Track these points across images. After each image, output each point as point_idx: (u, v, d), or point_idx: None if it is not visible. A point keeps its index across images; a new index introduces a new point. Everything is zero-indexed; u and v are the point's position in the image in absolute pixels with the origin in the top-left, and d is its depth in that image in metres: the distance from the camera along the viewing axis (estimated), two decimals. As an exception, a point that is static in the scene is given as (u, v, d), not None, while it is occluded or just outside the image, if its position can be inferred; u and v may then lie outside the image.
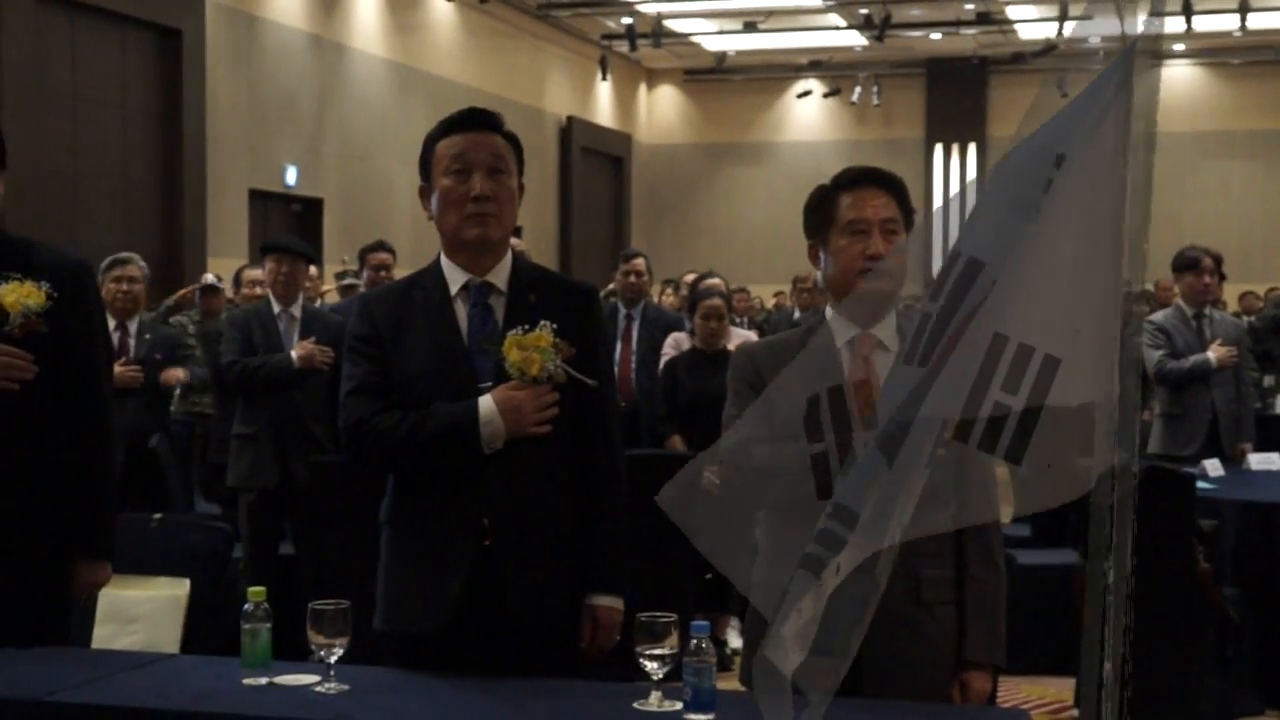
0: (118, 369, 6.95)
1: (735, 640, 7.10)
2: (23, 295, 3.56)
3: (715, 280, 8.84)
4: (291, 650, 3.35)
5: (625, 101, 25.80)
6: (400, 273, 6.38)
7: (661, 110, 26.82)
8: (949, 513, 2.43)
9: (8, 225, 3.77)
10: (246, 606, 3.10)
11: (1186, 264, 7.91)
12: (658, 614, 2.86)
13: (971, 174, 24.93)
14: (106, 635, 4.29)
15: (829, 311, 3.29)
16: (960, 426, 2.20)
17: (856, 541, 2.25)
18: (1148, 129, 2.20)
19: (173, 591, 4.44)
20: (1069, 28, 18.53)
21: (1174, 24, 19.93)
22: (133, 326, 7.52)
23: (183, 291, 10.54)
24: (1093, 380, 2.16)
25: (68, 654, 3.49)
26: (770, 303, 19.46)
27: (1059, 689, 6.42)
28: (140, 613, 4.39)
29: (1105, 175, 2.18)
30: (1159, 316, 7.97)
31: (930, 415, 2.20)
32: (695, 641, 2.78)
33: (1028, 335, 2.15)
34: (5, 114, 11.46)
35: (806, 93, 25.16)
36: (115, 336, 7.30)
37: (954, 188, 24.71)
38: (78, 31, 13.37)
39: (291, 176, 16.50)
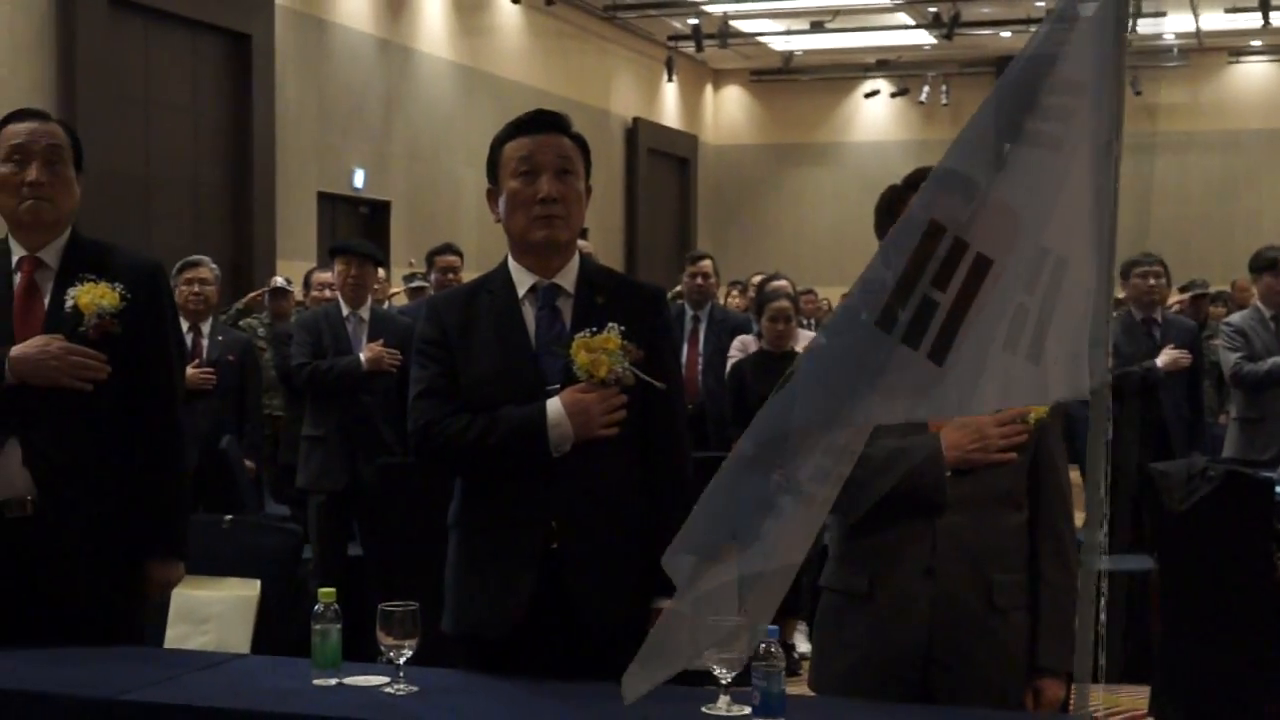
0: (190, 371, 7.02)
1: (803, 644, 7.07)
2: (98, 296, 3.61)
3: (782, 282, 8.82)
4: (360, 651, 3.37)
5: (691, 103, 25.79)
6: (468, 275, 6.41)
7: (728, 111, 26.78)
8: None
9: (80, 228, 3.82)
10: (316, 607, 3.12)
11: (1265, 264, 7.78)
12: (724, 617, 2.85)
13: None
14: (179, 635, 4.34)
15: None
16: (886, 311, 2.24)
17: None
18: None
19: (244, 592, 4.48)
20: (1141, 25, 18.33)
21: (1250, 20, 19.69)
22: (205, 329, 7.58)
23: (253, 294, 10.62)
24: (1091, 368, 2.20)
25: (141, 653, 3.52)
26: (837, 304, 19.35)
27: (1133, 697, 6.36)
28: (212, 613, 4.43)
29: (1092, 112, 2.17)
30: (1237, 318, 7.85)
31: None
32: (763, 645, 2.76)
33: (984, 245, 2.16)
34: (79, 118, 11.61)
35: (874, 92, 25.04)
36: (188, 339, 7.37)
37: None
38: (150, 36, 13.52)
39: (359, 179, 16.61)
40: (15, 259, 3.71)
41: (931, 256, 2.21)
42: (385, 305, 9.78)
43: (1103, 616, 2.36)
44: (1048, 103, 2.19)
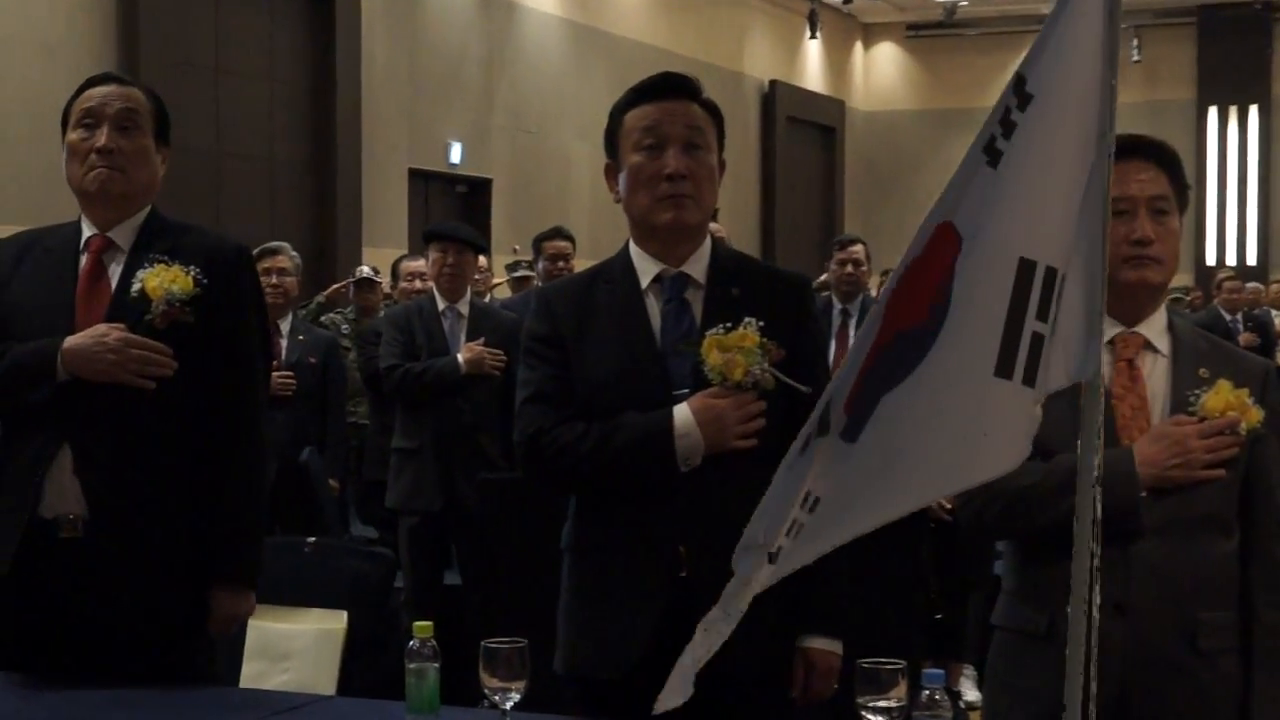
0: None
1: (971, 692, 7.01)
2: (167, 280, 3.60)
3: (945, 269, 8.74)
4: (460, 694, 3.40)
5: (838, 63, 25.67)
6: (580, 263, 6.43)
7: (880, 72, 26.61)
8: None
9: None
10: (412, 644, 3.15)
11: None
12: (882, 660, 2.83)
13: (1254, 141, 24.26)
14: (256, 673, 4.39)
15: (1085, 306, 3.24)
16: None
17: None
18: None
19: (328, 625, 4.53)
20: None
21: None
22: (284, 326, 7.60)
23: (336, 286, 10.73)
24: (1081, 359, 2.30)
25: (212, 694, 3.57)
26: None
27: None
28: (293, 648, 4.48)
29: (1074, 119, 2.28)
30: None
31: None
32: (927, 693, 2.74)
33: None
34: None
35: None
36: None
37: (1232, 157, 24.11)
38: (221, -3, 13.76)
39: (456, 154, 16.75)
40: (84, 238, 3.73)
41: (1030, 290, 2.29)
42: (486, 298, 9.85)
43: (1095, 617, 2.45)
44: (1007, 107, 2.31)
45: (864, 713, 2.82)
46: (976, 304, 2.25)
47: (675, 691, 2.55)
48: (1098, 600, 2.47)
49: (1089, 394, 2.36)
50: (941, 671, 2.82)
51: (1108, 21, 2.34)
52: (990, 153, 2.29)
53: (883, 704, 2.80)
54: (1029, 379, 2.28)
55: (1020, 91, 2.30)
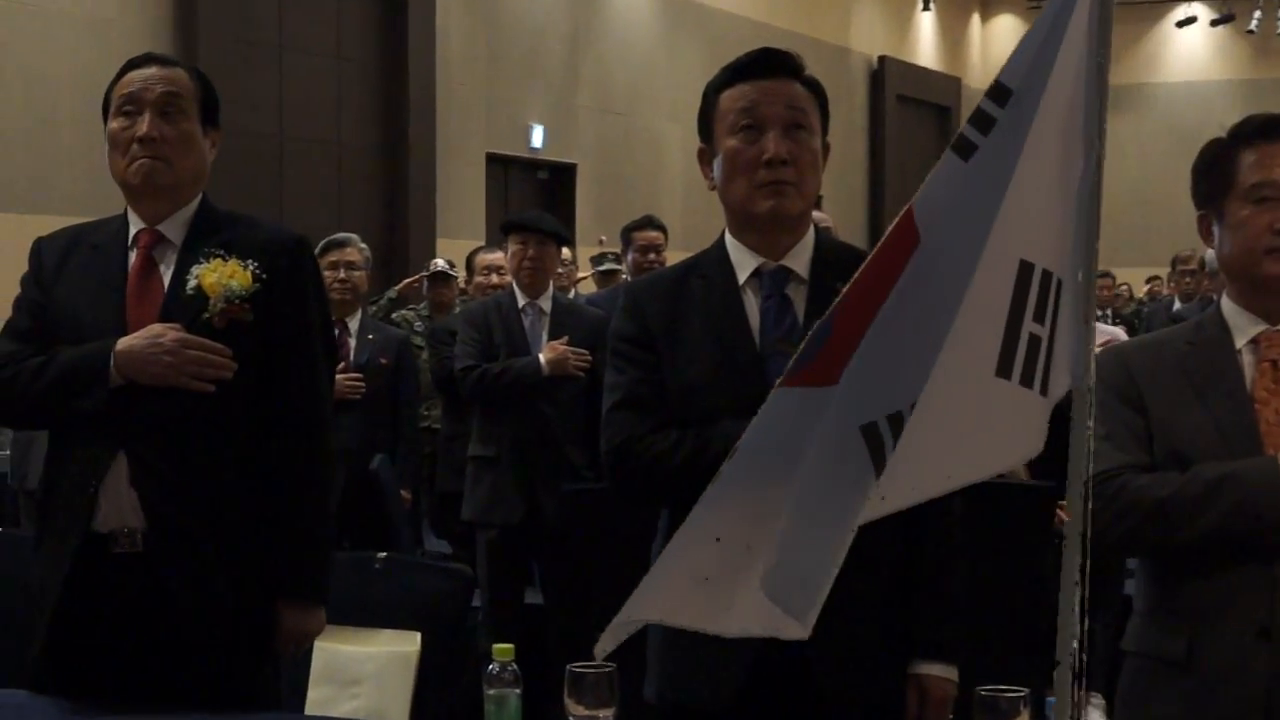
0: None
1: (1099, 723, 6.96)
2: (225, 276, 3.61)
3: (1071, 262, 8.69)
4: (543, 722, 3.41)
5: (953, 36, 25.54)
6: (673, 256, 6.43)
7: (999, 47, 26.46)
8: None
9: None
10: (491, 667, 3.16)
11: None
12: (1001, 687, 2.83)
13: None
14: (323, 698, 4.41)
15: (1225, 302, 3.22)
16: None
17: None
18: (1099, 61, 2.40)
19: (401, 647, 4.54)
20: None
21: None
22: (353, 324, 7.63)
23: (408, 280, 10.79)
24: (1071, 365, 2.47)
25: (277, 720, 3.61)
26: (1142, 290, 19.04)
27: None
28: (363, 672, 4.50)
29: (1063, 124, 2.40)
30: None
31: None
32: (1049, 722, 2.74)
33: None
34: (201, 66, 11.93)
35: (1189, 20, 24.56)
36: None
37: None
38: (285, -33, 13.87)
39: (538, 138, 16.81)
40: (132, 233, 3.75)
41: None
42: (570, 293, 9.88)
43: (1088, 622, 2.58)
44: (982, 106, 2.43)
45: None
46: (979, 304, 2.38)
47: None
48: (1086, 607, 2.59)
49: (1079, 401, 2.48)
50: (1064, 700, 2.80)
51: (1098, 31, 2.42)
52: (961, 147, 2.40)
53: (1005, 734, 2.79)
54: (1026, 379, 2.45)
55: (996, 88, 2.41)
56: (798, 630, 2.59)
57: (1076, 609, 2.59)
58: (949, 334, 2.38)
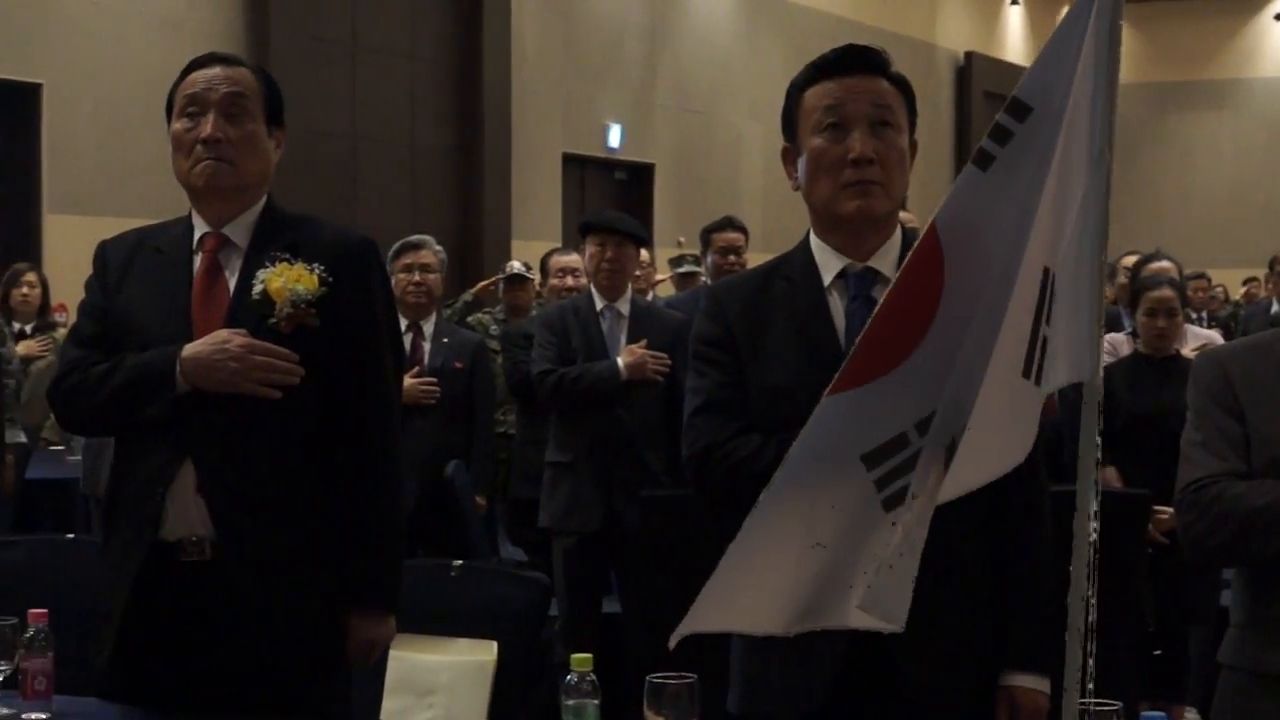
0: (407, 381, 7.09)
1: (1194, 737, 6.92)
2: (291, 280, 3.62)
3: (1164, 264, 8.63)
4: (622, 733, 3.42)
5: (1041, 32, 25.40)
6: (754, 258, 6.43)
7: (1091, 41, 26.29)
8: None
9: (275, 199, 3.88)
10: (569, 678, 3.17)
11: None
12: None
13: None
14: (398, 708, 4.43)
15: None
16: None
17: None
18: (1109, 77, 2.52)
19: (477, 656, 4.55)
20: None
21: None
22: (427, 328, 7.65)
23: (484, 283, 10.82)
24: (1079, 360, 2.55)
25: (350, 731, 3.63)
26: (1239, 293, 18.89)
27: None
28: (439, 682, 4.51)
29: (1078, 139, 2.50)
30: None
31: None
32: (1148, 737, 2.72)
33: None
34: (272, 65, 12.03)
35: (1289, 12, 24.35)
36: (407, 339, 7.43)
37: None
38: (358, -36, 13.94)
39: (615, 137, 16.83)
40: (197, 236, 3.77)
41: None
42: (649, 296, 9.88)
43: (1092, 616, 2.63)
44: (998, 120, 2.54)
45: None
46: (1011, 309, 2.50)
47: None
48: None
49: (1089, 394, 2.57)
50: (1163, 714, 2.79)
51: (1109, 41, 2.52)
52: (980, 159, 2.54)
53: (1098, 746, 2.78)
54: (1038, 378, 2.59)
55: (1013, 104, 2.54)
56: (893, 626, 2.68)
57: (1084, 611, 2.64)
58: (995, 344, 2.48)
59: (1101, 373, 2.55)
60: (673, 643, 2.75)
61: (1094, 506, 2.58)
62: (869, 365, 2.59)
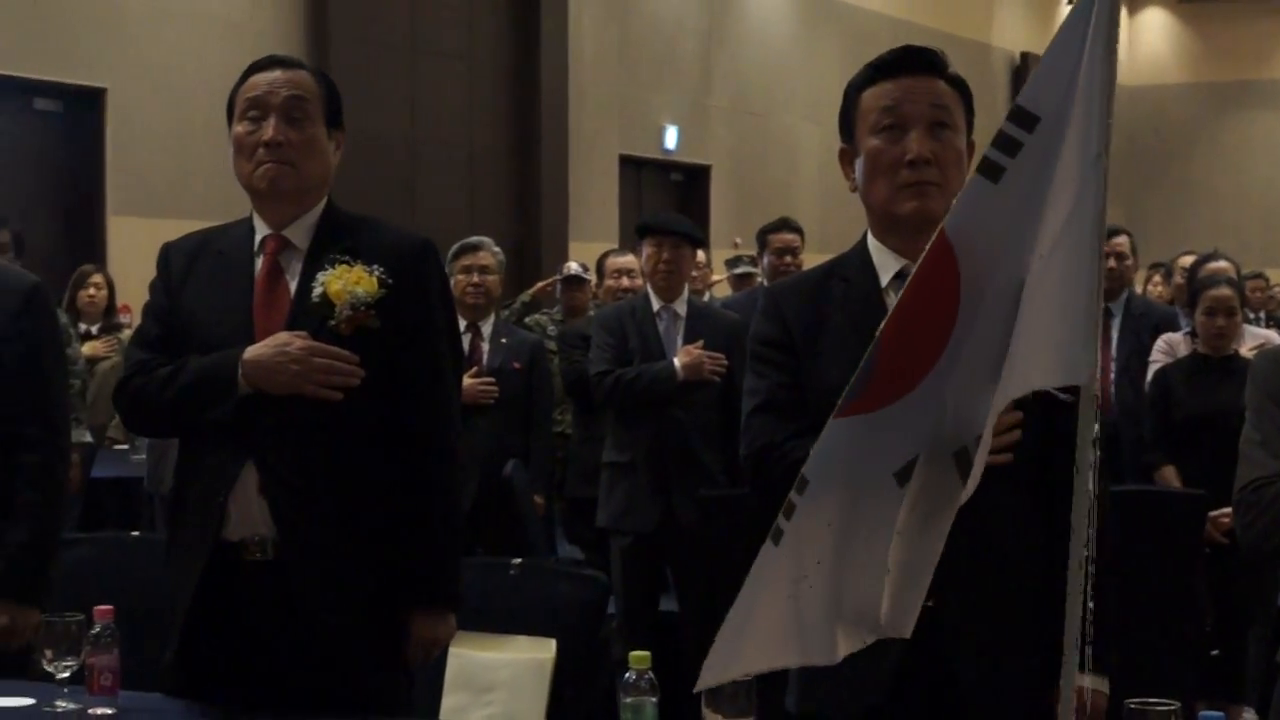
0: (466, 382, 7.09)
1: (1252, 738, 6.87)
2: (351, 282, 3.63)
3: (1223, 264, 8.59)
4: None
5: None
6: (810, 258, 6.42)
7: (1148, 42, 26.16)
8: None
9: (334, 201, 3.90)
10: (628, 675, 3.17)
11: None
12: (1151, 700, 2.80)
13: None
14: (457, 706, 4.44)
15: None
16: None
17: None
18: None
19: (536, 654, 4.56)
20: None
21: None
22: (486, 329, 7.66)
23: (541, 284, 10.83)
24: (1072, 363, 2.51)
25: (411, 728, 3.64)
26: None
27: None
28: (498, 679, 4.52)
29: (1081, 149, 2.49)
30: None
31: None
32: (1208, 737, 2.71)
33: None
34: (332, 69, 12.08)
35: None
36: (465, 340, 7.45)
37: None
38: (417, -32, 13.98)
39: (671, 139, 16.83)
40: (258, 239, 3.79)
41: None
42: (705, 297, 9.88)
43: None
44: (1004, 130, 2.53)
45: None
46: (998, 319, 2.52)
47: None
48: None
49: (1085, 397, 2.55)
50: (1221, 714, 2.77)
51: (1106, 43, 2.49)
52: (989, 169, 2.52)
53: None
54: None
55: (1019, 114, 2.53)
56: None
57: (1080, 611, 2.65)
58: (1006, 360, 2.50)
59: (1097, 375, 2.53)
60: (699, 689, 2.79)
61: (1092, 503, 2.61)
62: (890, 387, 2.58)
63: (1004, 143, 2.51)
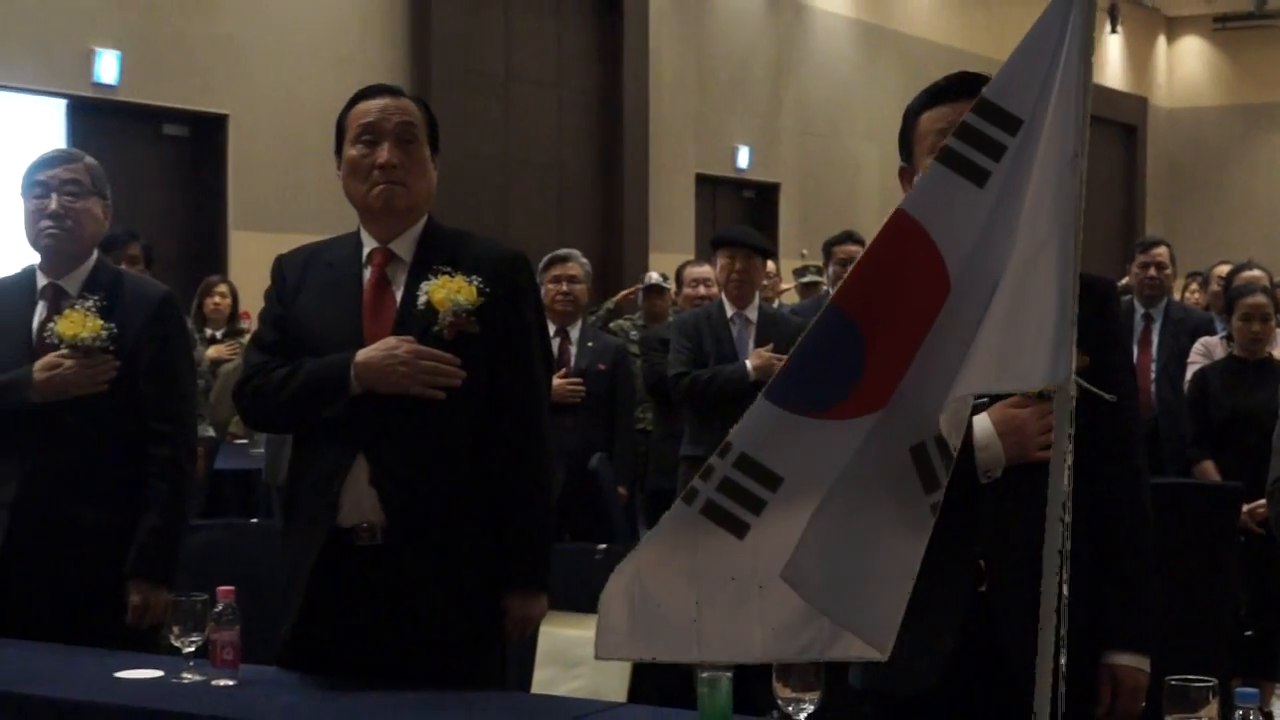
0: (556, 382, 7.09)
1: (1284, 713, 6.80)
2: (453, 291, 3.65)
3: (1257, 272, 8.51)
4: (752, 704, 3.40)
5: (1139, 58, 25.07)
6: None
7: (1185, 67, 25.92)
8: None
9: (437, 218, 3.92)
10: (704, 653, 3.17)
11: None
12: (1191, 677, 2.77)
13: None
14: (548, 679, 4.46)
15: None
16: None
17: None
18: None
19: (620, 633, 4.56)
20: None
21: None
22: (574, 333, 7.68)
23: (624, 292, 10.83)
24: (1051, 364, 2.38)
25: (505, 699, 3.65)
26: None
27: None
28: (585, 655, 4.53)
29: (1061, 149, 2.36)
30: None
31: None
32: (1240, 712, 2.67)
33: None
34: (433, 97, 12.13)
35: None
36: (555, 344, 7.47)
37: None
38: (510, 3, 14.01)
39: (743, 159, 16.82)
40: (366, 251, 3.81)
41: None
42: (775, 304, 9.86)
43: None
44: (979, 128, 2.42)
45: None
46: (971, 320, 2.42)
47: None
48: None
49: (1061, 399, 2.45)
50: (1255, 690, 2.73)
51: (1082, 46, 2.40)
52: (972, 172, 2.41)
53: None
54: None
55: (998, 114, 2.41)
56: (875, 654, 2.57)
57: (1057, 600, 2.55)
58: (967, 356, 2.40)
59: (1074, 376, 2.45)
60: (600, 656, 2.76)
61: (1066, 499, 2.50)
62: (882, 390, 2.48)
63: (986, 145, 2.41)
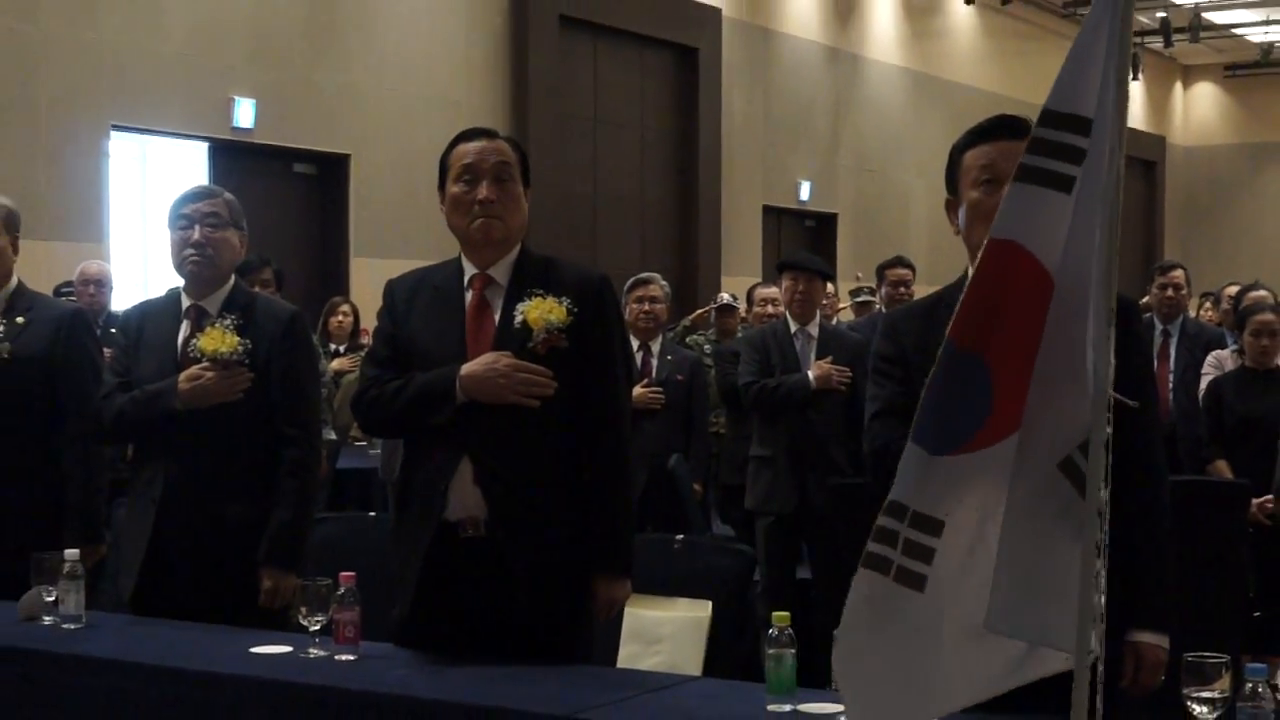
0: (638, 390, 7.16)
1: (1292, 688, 6.69)
2: (545, 311, 3.66)
3: (1263, 292, 8.40)
4: (812, 678, 3.38)
5: (1158, 101, 24.84)
6: (919, 289, 6.37)
7: (1199, 109, 25.66)
8: None
9: (533, 245, 3.93)
10: (771, 631, 3.15)
11: None
12: (1207, 654, 2.73)
13: None
14: (631, 655, 4.44)
15: None
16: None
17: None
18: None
19: (695, 613, 4.55)
20: None
21: None
22: (655, 347, 7.71)
23: (699, 311, 10.83)
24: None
25: (594, 673, 3.63)
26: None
27: None
28: (664, 633, 4.52)
29: (1108, 146, 2.19)
30: None
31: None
32: (1251, 685, 2.63)
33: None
34: (530, 138, 12.17)
35: None
36: (638, 357, 7.52)
37: None
38: (599, 53, 14.07)
39: (805, 192, 16.78)
40: (467, 277, 3.82)
41: None
42: (833, 321, 9.82)
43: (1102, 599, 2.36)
44: (1052, 138, 2.23)
45: (1189, 703, 2.73)
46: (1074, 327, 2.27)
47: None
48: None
49: (1097, 405, 2.30)
50: (1264, 665, 2.70)
51: (1119, 43, 2.24)
52: (1057, 181, 2.24)
53: (1207, 695, 2.72)
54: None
55: (1066, 120, 2.23)
56: (1066, 665, 2.37)
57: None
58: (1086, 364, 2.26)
59: (1108, 389, 2.32)
60: None
61: (1104, 495, 2.32)
62: (1011, 416, 2.30)
63: (1063, 152, 2.24)
